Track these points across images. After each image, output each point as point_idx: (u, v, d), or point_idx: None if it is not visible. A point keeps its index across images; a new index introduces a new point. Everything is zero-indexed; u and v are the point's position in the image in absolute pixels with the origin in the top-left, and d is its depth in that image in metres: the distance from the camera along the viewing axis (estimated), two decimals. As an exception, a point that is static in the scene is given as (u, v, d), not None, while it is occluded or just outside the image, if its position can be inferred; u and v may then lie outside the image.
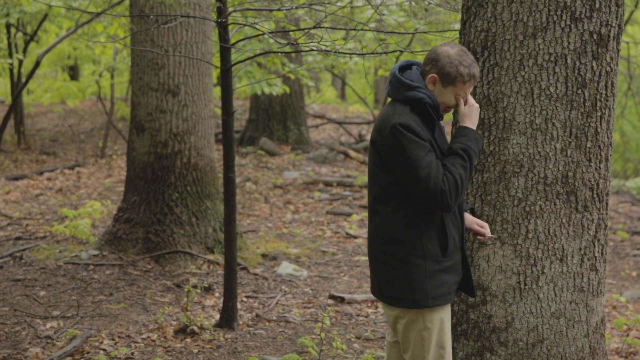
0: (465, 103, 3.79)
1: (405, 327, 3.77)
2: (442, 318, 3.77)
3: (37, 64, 10.41)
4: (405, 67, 3.82)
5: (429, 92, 3.68)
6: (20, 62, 15.09)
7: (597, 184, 4.45)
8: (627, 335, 7.05)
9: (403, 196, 3.67)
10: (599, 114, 4.41)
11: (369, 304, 7.60)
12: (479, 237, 4.02)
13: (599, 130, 4.42)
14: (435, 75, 3.67)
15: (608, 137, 4.49)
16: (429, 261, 3.67)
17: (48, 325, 6.61)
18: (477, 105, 3.86)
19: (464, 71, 3.64)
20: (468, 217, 4.00)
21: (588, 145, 4.40)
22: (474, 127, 3.80)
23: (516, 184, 4.39)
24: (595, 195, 4.45)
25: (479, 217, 4.35)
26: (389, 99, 3.83)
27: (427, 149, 3.59)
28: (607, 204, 4.55)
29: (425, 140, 3.61)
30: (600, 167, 4.45)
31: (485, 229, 3.98)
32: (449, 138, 3.98)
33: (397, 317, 3.79)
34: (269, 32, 6.69)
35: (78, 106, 20.56)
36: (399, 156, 3.60)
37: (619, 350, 6.61)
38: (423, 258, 3.66)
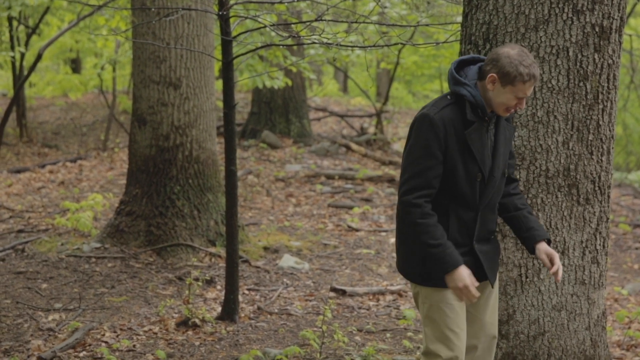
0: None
1: (414, 298, 3.95)
2: (439, 298, 3.79)
3: (38, 57, 10.42)
4: (469, 62, 3.87)
5: (475, 91, 3.71)
6: (22, 55, 15.08)
7: (599, 177, 4.44)
8: (629, 327, 7.05)
9: None
10: (600, 106, 4.40)
11: (371, 297, 7.60)
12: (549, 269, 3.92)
13: (600, 123, 4.42)
14: (495, 75, 3.69)
15: (610, 130, 4.49)
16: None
17: (50, 317, 6.62)
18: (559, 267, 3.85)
19: (524, 71, 3.65)
20: (539, 246, 3.90)
21: (590, 138, 4.40)
22: (456, 276, 3.70)
23: (518, 176, 4.38)
24: (597, 188, 4.44)
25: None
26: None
27: (433, 153, 3.66)
28: (608, 196, 4.55)
29: (439, 141, 3.65)
30: (602, 160, 4.45)
31: (554, 263, 3.86)
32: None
33: (412, 289, 3.99)
34: (271, 25, 6.68)
35: (80, 99, 20.55)
36: (410, 140, 3.74)
37: (620, 343, 6.61)
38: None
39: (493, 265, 3.91)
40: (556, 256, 3.87)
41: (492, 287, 3.95)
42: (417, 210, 3.67)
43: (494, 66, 3.70)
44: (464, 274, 3.69)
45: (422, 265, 3.80)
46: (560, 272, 3.84)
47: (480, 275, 3.85)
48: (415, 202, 3.67)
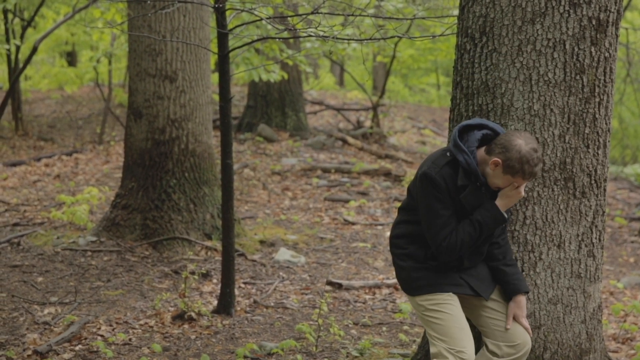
0: (514, 188, 4.01)
1: (418, 314, 4.20)
2: (428, 305, 4.08)
3: (34, 50, 10.36)
4: (473, 127, 4.08)
5: (471, 160, 3.95)
6: (18, 48, 15.03)
7: (595, 170, 4.44)
8: (624, 321, 7.06)
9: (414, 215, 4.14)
10: (597, 100, 4.39)
11: (367, 291, 7.60)
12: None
13: (597, 116, 4.41)
14: (500, 161, 3.91)
15: (606, 123, 4.48)
16: (413, 261, 4.13)
17: (46, 311, 6.61)
18: (524, 195, 4.16)
19: (527, 169, 3.90)
20: (516, 301, 4.13)
21: (586, 132, 4.39)
22: (505, 208, 4.03)
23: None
24: (593, 182, 4.44)
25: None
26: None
27: (444, 204, 3.97)
28: (605, 190, 4.54)
29: (445, 193, 3.96)
30: (598, 154, 4.44)
31: (517, 320, 4.13)
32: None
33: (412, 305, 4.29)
34: (267, 18, 6.66)
35: (76, 92, 20.51)
36: (420, 200, 4.03)
37: (616, 336, 6.62)
38: (410, 258, 4.13)
39: (482, 281, 4.14)
40: (522, 317, 4.12)
41: (487, 300, 4.14)
42: (455, 248, 3.98)
43: (502, 153, 3.91)
44: (502, 196, 4.03)
45: (410, 277, 4.12)
46: (510, 325, 4.11)
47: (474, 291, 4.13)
48: (449, 244, 3.98)
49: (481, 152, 4.00)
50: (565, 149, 4.36)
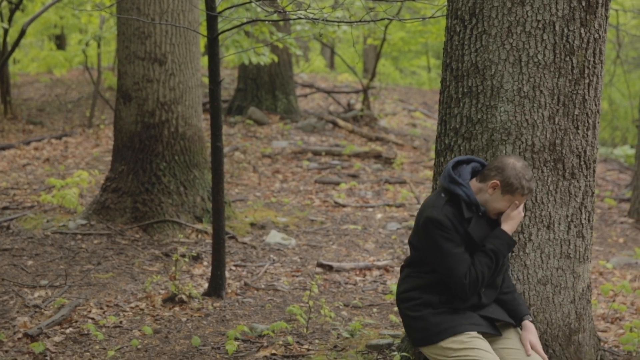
0: (515, 208, 4.10)
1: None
2: (457, 347, 4.01)
3: (22, 33, 10.30)
4: (463, 162, 4.19)
5: (469, 191, 4.04)
6: (6, 31, 14.93)
7: (585, 152, 4.45)
8: (614, 301, 7.10)
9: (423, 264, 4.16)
10: (586, 81, 4.40)
11: (357, 272, 7.62)
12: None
13: (586, 97, 4.41)
14: (498, 182, 4.01)
15: (596, 105, 4.49)
16: (430, 308, 4.11)
17: (36, 294, 6.60)
18: (523, 213, 4.16)
19: (525, 184, 4.01)
20: (524, 334, 4.12)
21: (576, 113, 4.39)
22: (512, 231, 4.09)
23: (504, 151, 4.38)
24: (582, 163, 4.45)
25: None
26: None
27: (455, 242, 4.00)
28: (594, 171, 4.56)
29: (453, 232, 3.99)
30: (587, 135, 4.45)
31: (536, 351, 4.08)
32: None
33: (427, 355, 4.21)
34: (256, 0, 6.63)
35: (65, 76, 20.41)
36: (429, 246, 4.04)
37: (605, 316, 6.66)
38: (426, 306, 4.12)
39: (500, 313, 4.16)
40: (537, 345, 4.08)
41: (501, 334, 4.15)
42: (477, 282, 4.01)
43: (498, 173, 4.02)
44: (506, 220, 4.08)
45: (430, 323, 4.07)
46: (530, 352, 4.06)
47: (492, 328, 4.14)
48: (471, 280, 4.00)
49: (474, 182, 4.11)
50: (555, 131, 4.37)
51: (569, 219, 4.45)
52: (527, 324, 4.13)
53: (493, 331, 4.10)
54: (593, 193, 4.57)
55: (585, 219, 4.51)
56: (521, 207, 4.10)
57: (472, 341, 4.00)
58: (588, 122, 4.45)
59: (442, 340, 4.02)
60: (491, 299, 4.13)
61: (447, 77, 4.58)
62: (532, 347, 4.07)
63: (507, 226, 4.08)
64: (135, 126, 8.47)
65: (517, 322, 4.17)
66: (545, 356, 4.11)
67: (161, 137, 8.45)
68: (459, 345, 3.99)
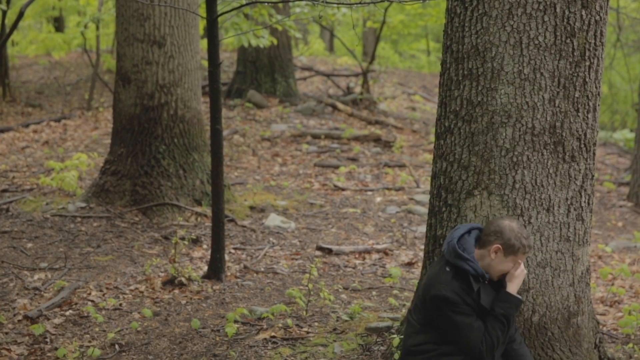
0: (518, 267, 4.18)
1: None
2: None
3: (20, 15, 10.24)
4: (464, 233, 4.22)
5: (476, 264, 4.10)
6: (4, 12, 14.86)
7: (585, 134, 4.44)
8: (612, 284, 7.12)
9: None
10: (587, 63, 4.38)
11: (357, 256, 7.63)
12: None
13: (587, 80, 4.40)
14: (500, 246, 4.09)
15: (596, 87, 4.47)
16: (450, 356, 4.15)
17: (36, 276, 6.61)
18: (526, 271, 4.24)
19: (525, 243, 4.09)
20: None
21: (576, 95, 4.38)
22: (516, 290, 4.18)
23: (504, 134, 4.37)
24: (582, 146, 4.44)
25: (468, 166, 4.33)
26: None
27: (466, 314, 4.07)
28: (594, 154, 4.55)
29: (463, 305, 4.06)
30: (588, 117, 4.44)
31: None
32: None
33: None
34: (256, -18, 6.59)
35: (63, 58, 20.34)
36: (441, 320, 4.12)
37: (604, 299, 6.67)
38: (447, 354, 4.15)
39: None
40: None
41: None
42: (493, 346, 4.09)
43: (498, 238, 4.09)
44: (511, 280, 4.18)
45: None
46: None
47: None
48: (487, 346, 4.08)
49: (479, 252, 4.16)
50: (555, 113, 4.35)
51: (568, 202, 4.44)
52: None
53: None
54: (593, 176, 4.56)
55: (584, 202, 4.51)
56: (522, 265, 4.18)
57: None
58: (588, 104, 4.43)
59: None
60: (500, 353, 4.24)
61: (447, 59, 4.56)
62: None
63: (512, 287, 4.18)
64: (135, 109, 8.45)
65: None
66: None
67: (160, 120, 8.44)
68: None
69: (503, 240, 4.08)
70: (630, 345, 5.42)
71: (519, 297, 4.18)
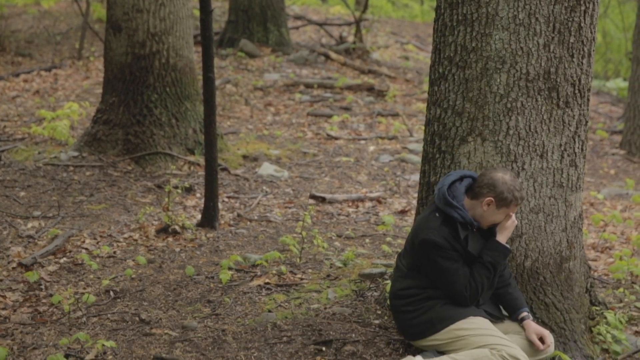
0: (509, 219, 4.24)
1: (445, 346, 4.22)
2: (467, 325, 4.15)
3: (8, -38, 10.10)
4: (456, 180, 4.25)
5: (465, 212, 4.15)
6: (-9, -40, 14.64)
7: (579, 80, 4.43)
8: (604, 230, 7.17)
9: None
10: (582, 8, 4.35)
11: (350, 204, 7.65)
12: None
13: (582, 25, 4.37)
14: (492, 199, 4.13)
15: (591, 32, 4.45)
16: (435, 299, 4.24)
17: (29, 225, 6.61)
18: (516, 222, 4.29)
19: (518, 195, 4.14)
20: (528, 326, 4.26)
21: (571, 41, 4.36)
22: (506, 240, 4.24)
23: (498, 80, 4.36)
24: (576, 91, 4.43)
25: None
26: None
27: (453, 259, 4.14)
28: (588, 100, 4.54)
29: (451, 251, 4.13)
30: (582, 63, 4.42)
31: (546, 341, 4.22)
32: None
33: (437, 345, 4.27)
34: None
35: (53, 7, 20.07)
36: (428, 265, 4.19)
37: (595, 245, 6.73)
38: (432, 298, 4.25)
39: (495, 308, 4.34)
40: (547, 335, 4.22)
41: (503, 321, 4.34)
42: (477, 293, 4.18)
43: (491, 190, 4.13)
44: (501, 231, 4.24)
45: (438, 311, 4.19)
46: (552, 349, 4.25)
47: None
48: (471, 292, 4.16)
49: (466, 200, 4.20)
50: (550, 59, 4.33)
51: (562, 148, 4.45)
52: (528, 322, 4.25)
53: (499, 314, 4.30)
54: (587, 122, 4.56)
55: (578, 148, 4.51)
56: (514, 216, 4.23)
57: (480, 319, 4.17)
58: (583, 50, 4.41)
59: (453, 323, 4.15)
60: (487, 299, 4.29)
61: (441, 4, 4.52)
62: (541, 340, 4.20)
63: (502, 237, 4.23)
64: (126, 57, 8.37)
65: (513, 316, 4.31)
66: (550, 343, 4.22)
67: (152, 69, 8.37)
68: (469, 324, 4.13)
69: (496, 193, 4.12)
70: (621, 289, 5.48)
71: (508, 246, 4.23)
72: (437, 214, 4.20)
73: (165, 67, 8.41)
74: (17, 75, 13.50)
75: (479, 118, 4.41)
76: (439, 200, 4.19)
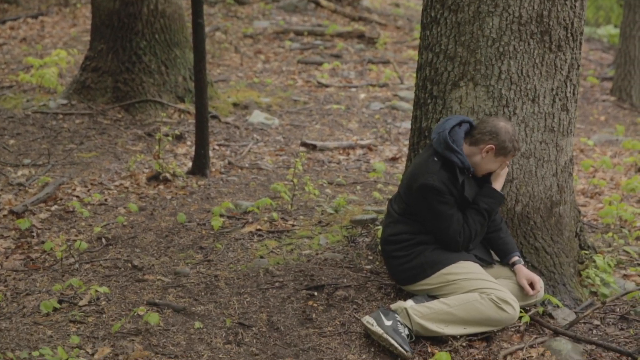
0: (504, 167, 4.30)
1: (436, 290, 4.24)
2: (458, 270, 4.18)
3: None
4: (455, 125, 4.22)
5: (464, 157, 4.14)
6: None
7: (572, 23, 4.40)
8: (594, 176, 7.20)
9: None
10: (576, -50, 4.30)
11: (341, 151, 7.64)
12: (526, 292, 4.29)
13: (575, -33, 4.32)
14: (493, 146, 4.15)
15: (584, -25, 4.41)
16: (425, 244, 4.26)
17: (19, 172, 6.59)
18: (508, 169, 4.37)
19: (517, 146, 4.19)
20: (519, 271, 4.29)
21: (564, -16, 4.31)
22: (500, 188, 4.29)
23: (490, 23, 4.32)
24: (569, 35, 4.40)
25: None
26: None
27: (450, 204, 4.16)
28: (580, 44, 4.52)
29: (448, 195, 4.14)
30: (575, 6, 4.39)
31: (536, 287, 4.26)
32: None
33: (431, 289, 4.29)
34: None
35: (38, -46, 19.76)
36: (424, 209, 4.19)
37: (585, 191, 6.76)
38: (422, 243, 4.27)
39: (485, 253, 4.38)
40: (538, 281, 4.26)
41: (493, 265, 4.37)
42: (470, 238, 4.22)
43: (493, 138, 4.14)
44: (496, 179, 4.30)
45: (428, 257, 4.21)
46: (542, 294, 4.31)
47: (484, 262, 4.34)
48: (464, 237, 4.20)
49: (465, 145, 4.20)
50: (543, 1, 4.30)
51: (553, 92, 4.44)
52: (519, 267, 4.28)
53: (489, 259, 4.34)
54: (579, 66, 4.54)
55: (570, 92, 4.50)
56: (506, 165, 4.28)
57: (470, 264, 4.20)
58: (576, -7, 4.37)
59: (443, 267, 4.17)
60: (477, 244, 4.32)
61: (434, -53, 4.46)
62: (531, 285, 4.24)
63: (497, 184, 4.27)
64: (114, 3, 8.26)
65: (504, 260, 4.34)
66: (540, 288, 4.26)
67: (140, 15, 8.27)
68: (459, 269, 4.16)
69: (498, 141, 4.13)
70: (610, 234, 5.52)
71: (502, 194, 4.27)
72: (435, 158, 4.19)
73: (154, 14, 8.31)
74: (4, 22, 13.33)
75: (471, 62, 4.39)
76: (439, 145, 4.18)
